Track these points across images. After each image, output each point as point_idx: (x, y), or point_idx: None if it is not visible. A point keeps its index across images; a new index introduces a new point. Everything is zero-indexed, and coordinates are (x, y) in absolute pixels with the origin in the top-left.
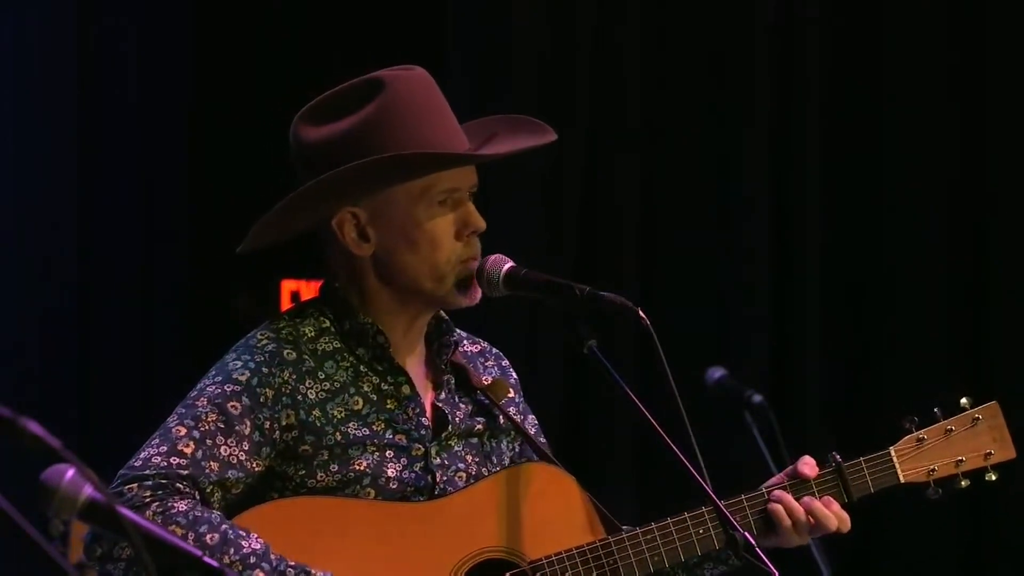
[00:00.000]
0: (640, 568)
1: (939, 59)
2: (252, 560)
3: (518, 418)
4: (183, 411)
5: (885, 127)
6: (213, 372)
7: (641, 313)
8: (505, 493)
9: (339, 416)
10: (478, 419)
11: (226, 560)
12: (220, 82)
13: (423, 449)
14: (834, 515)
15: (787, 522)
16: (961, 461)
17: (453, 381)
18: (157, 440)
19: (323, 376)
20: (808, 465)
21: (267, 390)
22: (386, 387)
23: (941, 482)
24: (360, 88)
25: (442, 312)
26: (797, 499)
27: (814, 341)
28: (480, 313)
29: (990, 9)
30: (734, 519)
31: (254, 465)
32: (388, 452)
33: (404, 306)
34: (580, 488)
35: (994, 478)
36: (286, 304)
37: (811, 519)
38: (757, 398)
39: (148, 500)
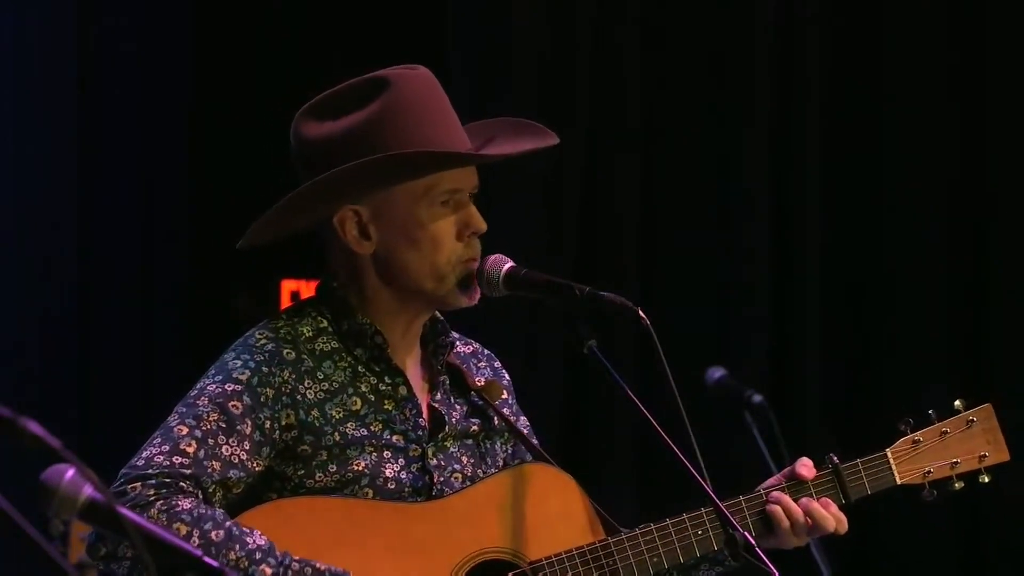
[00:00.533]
0: (640, 569)
1: (939, 59)
2: (258, 556)
3: (511, 420)
4: (184, 410)
5: (885, 127)
6: (213, 371)
7: (641, 313)
8: (506, 493)
9: (338, 416)
10: (473, 420)
11: (232, 556)
12: (220, 82)
13: (420, 450)
14: (832, 516)
15: (785, 523)
16: (956, 463)
17: (448, 382)
18: (159, 439)
19: (322, 376)
20: (805, 466)
21: (267, 389)
22: (384, 388)
23: (936, 484)
24: (364, 86)
25: (438, 313)
26: (795, 500)
27: (814, 341)
28: (480, 313)
29: (990, 9)
30: (733, 519)
31: (255, 465)
32: (386, 452)
33: (403, 306)
34: (580, 489)
35: (987, 480)
36: (286, 304)
37: (809, 520)
38: (757, 398)
39: (152, 498)
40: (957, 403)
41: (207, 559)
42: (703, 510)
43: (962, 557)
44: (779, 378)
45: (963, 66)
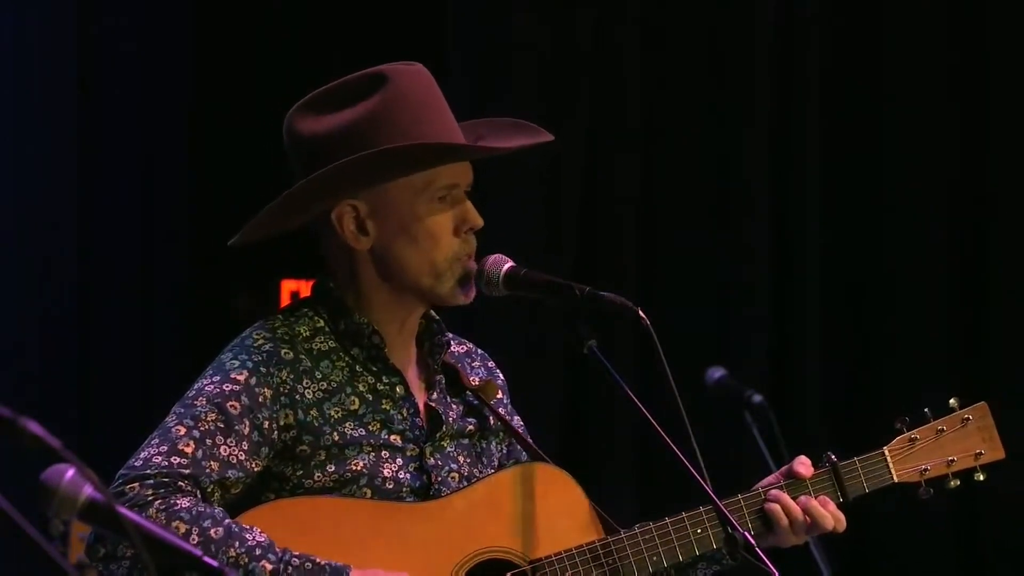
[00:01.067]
0: (639, 567)
1: (939, 59)
2: (258, 552)
3: (507, 419)
4: (182, 411)
5: (885, 127)
6: (210, 371)
7: (641, 313)
8: (506, 492)
9: (336, 416)
10: (469, 420)
11: (231, 553)
12: (220, 82)
13: (418, 449)
14: (830, 515)
15: (784, 521)
16: (952, 461)
17: (444, 381)
18: (157, 440)
19: (319, 376)
20: (803, 465)
21: (265, 390)
22: (381, 387)
23: (933, 482)
24: (361, 81)
25: (432, 312)
26: (793, 499)
27: (814, 341)
28: (480, 313)
29: (990, 9)
30: (732, 519)
31: (253, 465)
32: (384, 452)
33: (400, 303)
34: (579, 487)
35: (983, 478)
36: (286, 304)
37: (808, 519)
38: (757, 398)
39: (151, 498)
40: (952, 401)
41: (207, 559)
42: (702, 509)
43: (960, 556)
44: (779, 378)
45: (963, 66)
